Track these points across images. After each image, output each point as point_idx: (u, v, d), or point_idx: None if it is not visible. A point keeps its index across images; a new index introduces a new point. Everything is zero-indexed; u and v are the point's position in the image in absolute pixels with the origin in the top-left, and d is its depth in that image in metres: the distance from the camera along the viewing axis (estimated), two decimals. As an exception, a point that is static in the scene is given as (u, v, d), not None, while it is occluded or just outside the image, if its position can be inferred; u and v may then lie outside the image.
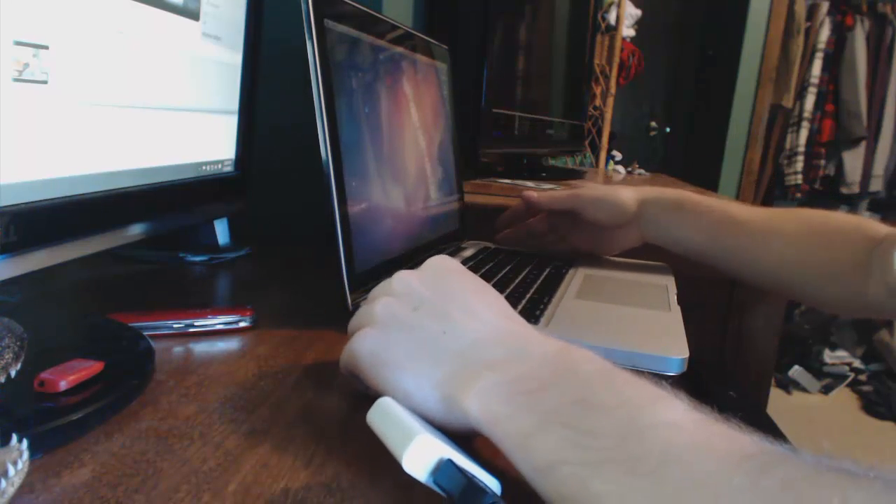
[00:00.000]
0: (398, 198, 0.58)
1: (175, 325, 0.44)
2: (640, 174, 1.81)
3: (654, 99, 2.81)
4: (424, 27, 1.14)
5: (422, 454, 0.25)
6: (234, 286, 0.59)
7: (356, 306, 0.50)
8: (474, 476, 0.25)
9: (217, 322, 0.46)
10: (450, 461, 0.25)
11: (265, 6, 0.65)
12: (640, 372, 0.24)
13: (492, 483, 0.26)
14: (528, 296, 0.54)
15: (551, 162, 1.93)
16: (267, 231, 0.85)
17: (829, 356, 2.52)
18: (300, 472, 0.29)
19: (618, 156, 2.09)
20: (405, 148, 0.61)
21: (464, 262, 0.65)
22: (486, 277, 0.59)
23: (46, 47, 0.37)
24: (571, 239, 0.73)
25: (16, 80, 0.35)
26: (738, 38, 2.48)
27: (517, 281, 0.59)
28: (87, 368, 0.33)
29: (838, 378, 2.48)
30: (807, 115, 2.67)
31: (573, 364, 0.28)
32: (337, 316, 0.51)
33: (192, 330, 0.45)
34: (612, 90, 2.03)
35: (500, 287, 0.56)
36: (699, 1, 2.76)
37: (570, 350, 0.29)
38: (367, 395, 0.30)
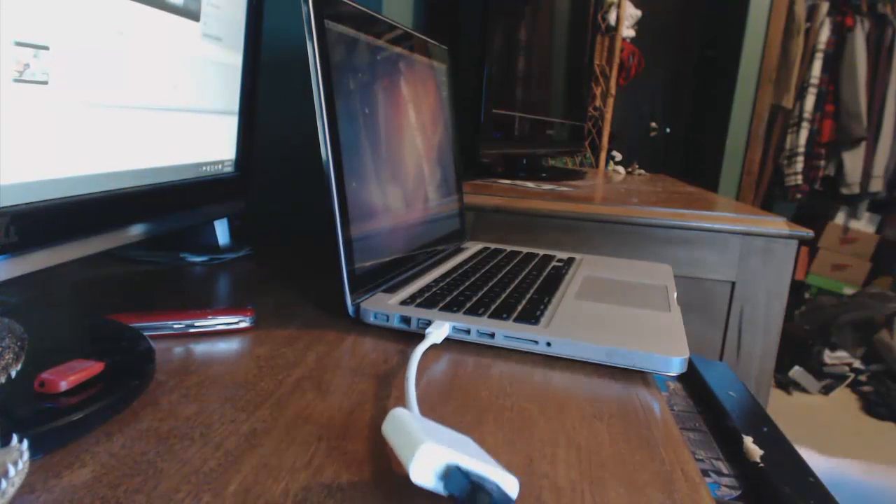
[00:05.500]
0: (398, 198, 0.58)
1: (175, 326, 0.44)
2: (640, 174, 1.81)
3: (654, 99, 2.81)
4: (424, 27, 1.14)
5: (427, 463, 0.25)
6: (235, 286, 0.59)
7: (356, 306, 0.50)
8: (483, 478, 0.25)
9: (217, 322, 0.46)
10: (456, 467, 0.25)
11: (266, 7, 0.65)
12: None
13: (508, 482, 0.26)
14: (528, 296, 0.54)
15: (551, 162, 1.93)
16: (267, 231, 0.85)
17: (829, 356, 2.52)
18: (300, 473, 0.29)
19: (618, 156, 2.09)
20: (405, 148, 0.61)
21: (464, 263, 0.65)
22: (487, 277, 0.59)
23: (47, 48, 0.37)
24: None
25: (16, 80, 0.35)
26: (738, 38, 2.48)
27: (517, 281, 0.59)
28: (87, 369, 0.33)
29: (838, 378, 2.48)
30: (807, 115, 2.67)
31: None
32: (337, 316, 0.51)
33: (192, 330, 0.45)
34: (612, 91, 2.03)
35: (500, 287, 0.56)
36: (699, 1, 2.76)
37: None
38: (367, 397, 0.30)
